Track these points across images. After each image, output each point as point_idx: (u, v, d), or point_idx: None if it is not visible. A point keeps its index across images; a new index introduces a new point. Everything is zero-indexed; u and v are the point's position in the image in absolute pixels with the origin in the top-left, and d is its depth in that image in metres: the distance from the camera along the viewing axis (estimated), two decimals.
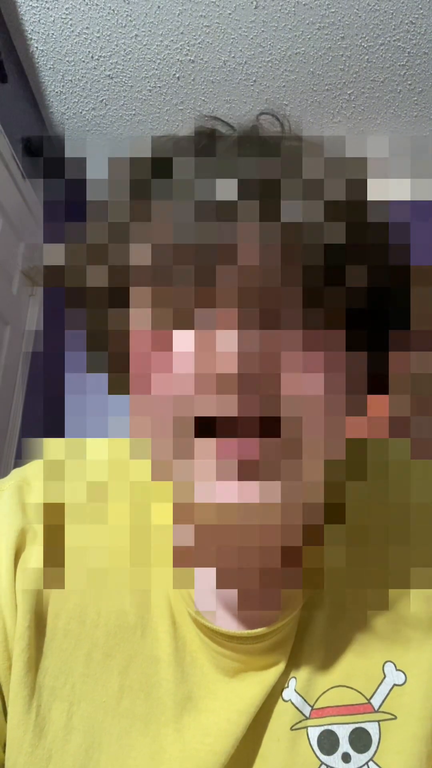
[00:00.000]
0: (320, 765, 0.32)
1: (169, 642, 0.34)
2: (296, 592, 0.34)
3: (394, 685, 0.33)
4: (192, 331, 0.28)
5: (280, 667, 0.33)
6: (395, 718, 0.33)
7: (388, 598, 0.35)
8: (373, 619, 0.35)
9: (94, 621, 0.35)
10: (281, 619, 0.33)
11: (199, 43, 1.55)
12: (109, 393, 0.34)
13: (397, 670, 0.34)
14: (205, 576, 0.35)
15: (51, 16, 1.49)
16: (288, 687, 0.34)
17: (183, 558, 0.34)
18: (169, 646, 0.34)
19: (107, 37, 1.54)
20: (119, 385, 0.33)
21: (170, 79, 1.65)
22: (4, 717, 0.34)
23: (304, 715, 0.33)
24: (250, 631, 0.33)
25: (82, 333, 0.33)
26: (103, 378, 0.34)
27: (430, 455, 0.35)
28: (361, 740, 0.32)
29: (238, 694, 0.33)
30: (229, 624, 0.34)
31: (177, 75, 1.64)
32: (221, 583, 0.34)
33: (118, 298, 0.31)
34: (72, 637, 0.34)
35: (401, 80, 1.65)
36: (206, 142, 0.32)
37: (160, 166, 0.30)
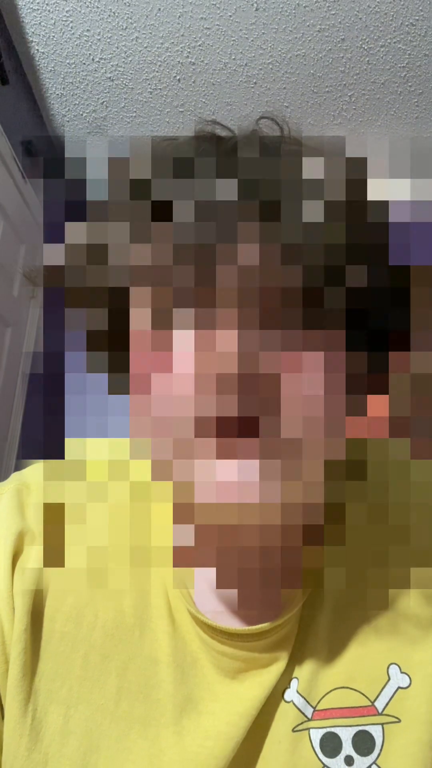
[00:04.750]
0: (322, 767, 0.32)
1: (168, 642, 0.34)
2: (296, 590, 0.34)
3: (399, 688, 0.33)
4: (192, 331, 0.29)
5: (282, 666, 0.33)
6: (399, 721, 0.32)
7: (388, 598, 0.35)
8: (376, 619, 0.35)
9: (91, 623, 0.35)
10: (283, 616, 0.33)
11: (199, 45, 1.55)
12: (109, 393, 0.34)
13: (402, 672, 0.33)
14: (205, 576, 0.35)
15: (52, 18, 1.49)
16: (290, 688, 0.33)
17: (183, 558, 0.34)
18: (169, 647, 0.34)
19: (108, 40, 1.54)
20: (119, 385, 0.33)
21: (171, 81, 1.65)
22: (1, 721, 0.33)
23: (306, 716, 0.33)
24: (252, 628, 0.33)
25: (82, 333, 0.33)
26: (103, 378, 0.34)
27: (430, 455, 0.35)
28: (364, 743, 0.32)
29: (239, 695, 0.33)
30: (230, 622, 0.34)
31: (177, 77, 1.64)
32: (221, 583, 0.34)
33: (118, 298, 0.31)
34: (69, 640, 0.34)
35: (402, 82, 1.65)
36: (206, 145, 0.32)
37: (161, 166, 0.30)
